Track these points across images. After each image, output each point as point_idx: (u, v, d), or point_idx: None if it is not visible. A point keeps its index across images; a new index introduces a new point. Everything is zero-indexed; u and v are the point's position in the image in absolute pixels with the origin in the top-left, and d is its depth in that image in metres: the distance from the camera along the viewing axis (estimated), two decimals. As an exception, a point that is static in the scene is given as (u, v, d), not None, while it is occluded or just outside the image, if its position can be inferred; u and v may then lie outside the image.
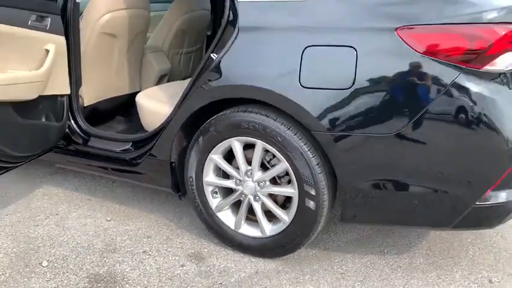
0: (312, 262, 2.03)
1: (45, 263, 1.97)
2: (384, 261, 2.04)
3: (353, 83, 1.65)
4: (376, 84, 1.64)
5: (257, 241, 2.02)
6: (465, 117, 1.59)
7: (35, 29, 1.95)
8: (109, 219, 2.35)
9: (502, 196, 1.71)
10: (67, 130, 2.39)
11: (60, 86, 2.17)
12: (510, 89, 1.61)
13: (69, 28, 2.27)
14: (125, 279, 1.88)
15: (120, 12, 2.54)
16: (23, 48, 1.91)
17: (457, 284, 1.89)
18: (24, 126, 2.00)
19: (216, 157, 1.99)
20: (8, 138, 1.94)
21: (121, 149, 2.30)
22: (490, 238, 2.22)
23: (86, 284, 1.85)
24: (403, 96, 1.63)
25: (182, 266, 1.99)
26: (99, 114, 2.71)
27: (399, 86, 1.63)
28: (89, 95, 2.60)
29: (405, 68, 1.60)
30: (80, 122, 2.43)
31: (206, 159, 2.01)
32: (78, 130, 2.42)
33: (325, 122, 1.71)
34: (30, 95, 1.94)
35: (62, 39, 2.12)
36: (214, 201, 2.08)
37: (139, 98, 2.41)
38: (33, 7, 1.93)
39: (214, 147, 1.97)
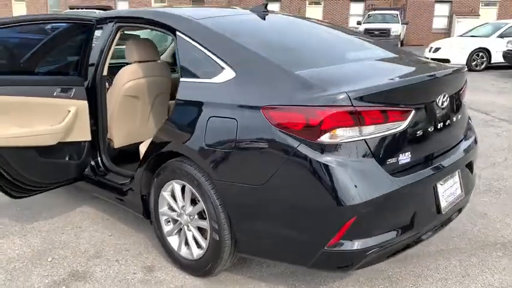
0: (231, 285, 2.53)
1: (50, 259, 2.82)
2: (288, 293, 2.44)
3: (234, 146, 2.19)
4: (247, 147, 2.16)
5: (189, 262, 2.60)
6: (304, 180, 2.01)
7: (59, 97, 2.87)
8: (110, 234, 3.14)
9: (349, 245, 2.05)
10: (94, 165, 3.27)
11: (81, 135, 3.06)
12: (341, 155, 1.99)
13: (98, 93, 3.18)
14: (91, 277, 2.62)
15: (141, 80, 3.39)
16: (49, 110, 2.83)
17: None
18: (48, 162, 2.91)
19: (165, 194, 2.65)
20: (35, 170, 2.87)
21: (121, 182, 3.09)
22: None
23: (66, 276, 2.63)
24: (264, 159, 2.11)
25: (134, 273, 2.65)
26: (127, 154, 3.57)
27: (260, 150, 2.12)
28: (118, 140, 3.48)
29: (265, 136, 2.10)
30: (104, 160, 3.29)
31: (159, 195, 2.68)
32: (101, 166, 3.29)
33: (217, 172, 2.27)
34: (50, 142, 2.84)
35: (83, 103, 3.02)
36: (166, 228, 2.72)
37: (141, 147, 3.19)
38: (59, 83, 2.86)
39: (163, 186, 2.64)
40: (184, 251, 2.64)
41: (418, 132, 2.23)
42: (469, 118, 2.98)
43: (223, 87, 2.30)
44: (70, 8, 22.75)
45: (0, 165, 2.70)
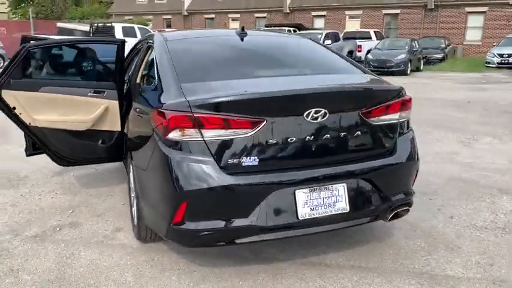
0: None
1: (71, 211, 3.92)
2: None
3: (142, 138, 2.89)
4: (145, 139, 2.85)
5: (134, 226, 3.36)
6: (158, 168, 2.58)
7: (93, 97, 3.96)
8: (123, 203, 4.10)
9: (187, 225, 2.51)
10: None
11: (111, 125, 4.09)
12: (183, 151, 2.47)
13: (132, 96, 4.19)
14: (80, 226, 3.61)
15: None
16: (84, 105, 3.94)
17: None
18: (79, 142, 4.02)
19: (130, 174, 3.48)
20: (68, 147, 4.00)
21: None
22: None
23: (69, 222, 3.68)
24: (149, 149, 2.72)
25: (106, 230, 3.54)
26: None
27: (148, 143, 2.77)
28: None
29: (149, 132, 2.73)
30: None
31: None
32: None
33: (134, 156, 2.99)
34: (81, 128, 3.94)
35: (114, 102, 4.05)
36: (132, 200, 3.55)
37: None
38: (92, 87, 3.95)
39: (128, 168, 3.46)
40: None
41: (272, 141, 2.52)
42: (411, 140, 2.96)
43: (152, 92, 2.97)
44: (266, 26, 25.48)
45: (45, 140, 3.92)
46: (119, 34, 18.22)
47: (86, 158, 4.20)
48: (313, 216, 2.60)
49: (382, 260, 3.03)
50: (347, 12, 28.94)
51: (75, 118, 3.89)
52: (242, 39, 3.50)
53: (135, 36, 18.80)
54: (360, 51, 20.77)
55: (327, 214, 2.63)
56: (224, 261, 2.99)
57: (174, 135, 2.49)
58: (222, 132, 2.47)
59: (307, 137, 2.59)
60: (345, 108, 2.70)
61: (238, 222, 2.51)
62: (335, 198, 2.65)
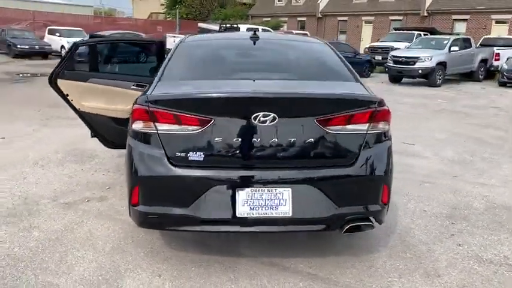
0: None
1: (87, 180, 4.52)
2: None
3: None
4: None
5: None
6: (126, 153, 2.90)
7: (135, 90, 4.48)
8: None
9: (139, 207, 2.80)
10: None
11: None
12: (141, 141, 2.76)
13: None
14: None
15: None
16: (127, 97, 4.49)
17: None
18: (119, 129, 4.58)
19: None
20: (109, 132, 4.57)
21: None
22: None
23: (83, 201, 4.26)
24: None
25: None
26: None
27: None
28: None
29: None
30: None
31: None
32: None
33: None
34: (122, 116, 4.50)
35: None
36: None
37: None
38: (135, 81, 4.47)
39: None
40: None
41: (217, 140, 2.67)
42: (383, 153, 2.85)
43: None
44: (395, 29, 24.49)
45: (92, 123, 4.56)
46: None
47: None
48: (252, 216, 2.68)
49: (343, 274, 2.96)
50: (493, 17, 26.16)
51: (117, 107, 4.46)
52: (254, 43, 3.67)
53: (258, 37, 19.74)
54: (497, 59, 18.71)
55: (267, 216, 2.69)
56: (197, 249, 3.22)
57: (136, 126, 2.80)
58: (173, 127, 2.70)
59: (254, 140, 2.68)
60: (297, 114, 2.72)
61: (179, 211, 2.72)
62: (278, 202, 2.69)
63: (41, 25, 26.62)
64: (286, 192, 2.70)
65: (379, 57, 19.82)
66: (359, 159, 2.78)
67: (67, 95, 4.39)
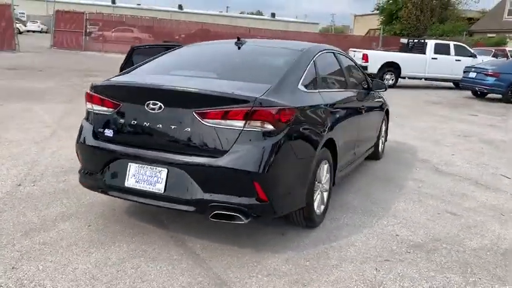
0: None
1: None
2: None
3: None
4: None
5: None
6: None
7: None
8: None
9: (82, 171, 3.57)
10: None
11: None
12: (86, 119, 3.54)
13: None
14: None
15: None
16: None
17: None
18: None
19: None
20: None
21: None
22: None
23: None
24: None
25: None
26: None
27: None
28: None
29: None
30: None
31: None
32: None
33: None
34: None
35: None
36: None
37: None
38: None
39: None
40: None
41: (122, 121, 3.25)
42: (261, 151, 2.95)
43: None
44: None
45: None
46: (429, 51, 17.93)
47: None
48: (135, 187, 3.16)
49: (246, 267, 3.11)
50: None
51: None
52: (239, 48, 4.09)
53: (448, 54, 17.93)
54: None
55: (146, 189, 3.12)
56: (150, 224, 3.70)
57: (87, 106, 3.60)
58: (97, 108, 3.41)
59: (145, 123, 3.16)
60: (179, 105, 3.09)
61: (97, 176, 3.39)
62: (157, 179, 3.10)
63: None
64: (163, 172, 3.08)
65: None
66: (230, 153, 2.94)
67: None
